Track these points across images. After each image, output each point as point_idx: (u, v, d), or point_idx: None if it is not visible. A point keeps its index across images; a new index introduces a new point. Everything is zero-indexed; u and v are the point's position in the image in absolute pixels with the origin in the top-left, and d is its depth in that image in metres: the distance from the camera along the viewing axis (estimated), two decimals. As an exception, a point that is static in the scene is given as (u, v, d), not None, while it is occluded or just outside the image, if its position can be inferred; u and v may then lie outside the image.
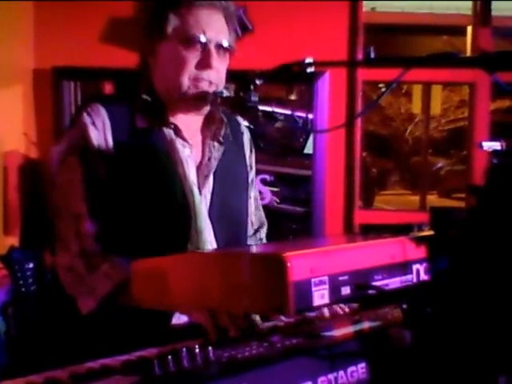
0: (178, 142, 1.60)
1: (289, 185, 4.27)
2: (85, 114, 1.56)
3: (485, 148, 1.14)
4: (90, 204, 1.54)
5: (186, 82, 1.57)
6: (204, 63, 1.57)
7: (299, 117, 4.39)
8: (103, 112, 1.56)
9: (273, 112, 4.23)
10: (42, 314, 2.34)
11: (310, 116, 4.30)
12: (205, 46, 1.57)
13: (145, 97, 1.61)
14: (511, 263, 1.06)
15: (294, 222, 4.22)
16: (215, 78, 1.59)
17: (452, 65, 1.26)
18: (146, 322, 1.40)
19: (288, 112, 4.42)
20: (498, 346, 1.10)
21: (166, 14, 1.57)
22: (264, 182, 4.08)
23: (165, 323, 1.47)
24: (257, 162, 1.85)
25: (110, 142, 1.55)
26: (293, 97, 4.60)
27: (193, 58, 1.57)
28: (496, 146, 1.12)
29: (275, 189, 4.21)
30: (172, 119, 1.62)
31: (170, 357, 1.05)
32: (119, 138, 1.56)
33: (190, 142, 1.62)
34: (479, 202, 1.08)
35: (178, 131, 1.61)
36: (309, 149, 4.28)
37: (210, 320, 1.28)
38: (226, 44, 1.59)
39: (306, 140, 4.35)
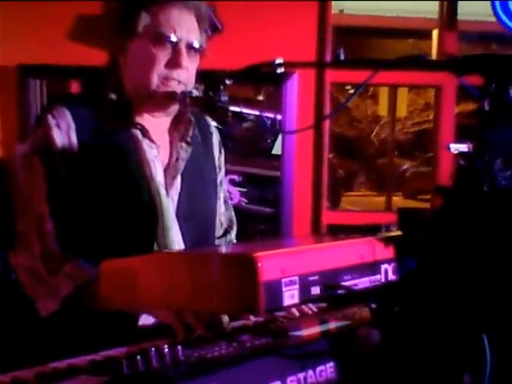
0: (145, 143, 1.60)
1: (257, 185, 4.28)
2: (49, 116, 1.56)
3: (452, 150, 1.15)
4: (52, 204, 1.53)
5: (155, 80, 1.56)
6: (174, 62, 1.56)
7: (267, 117, 4.40)
8: (68, 114, 1.56)
9: (241, 112, 4.24)
10: (6, 313, 2.31)
11: (279, 117, 4.31)
12: (175, 46, 1.57)
13: (112, 96, 1.60)
14: (477, 263, 1.07)
15: (262, 223, 4.24)
16: (185, 77, 1.58)
17: (420, 68, 1.27)
18: (112, 322, 1.38)
19: (256, 113, 4.42)
20: (464, 344, 1.12)
21: (137, 12, 1.56)
22: (232, 182, 4.08)
23: (132, 324, 1.46)
24: (225, 163, 1.85)
25: (75, 144, 1.54)
26: (261, 97, 4.62)
27: (163, 56, 1.56)
28: (463, 148, 1.13)
29: (243, 189, 4.22)
30: (139, 120, 1.61)
31: (138, 357, 1.04)
32: (85, 139, 1.55)
33: (157, 143, 1.62)
34: (446, 202, 1.09)
35: (145, 132, 1.60)
36: (277, 150, 4.29)
37: (177, 320, 1.28)
38: (196, 44, 1.59)
39: (274, 141, 4.37)
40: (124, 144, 1.58)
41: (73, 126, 1.55)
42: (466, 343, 1.11)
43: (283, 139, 4.21)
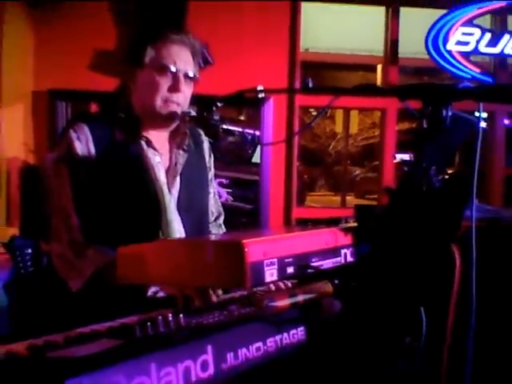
0: (150, 152, 1.59)
1: (240, 187, 4.27)
2: (71, 131, 1.54)
3: (397, 159, 1.15)
4: (76, 203, 1.51)
5: (158, 102, 1.56)
6: (174, 87, 1.56)
7: (248, 133, 4.40)
8: (86, 129, 1.54)
9: (227, 129, 4.23)
10: (39, 291, 2.28)
11: (257, 133, 4.31)
12: (175, 74, 1.56)
13: (122, 115, 1.59)
14: (416, 248, 1.08)
15: (244, 217, 4.23)
16: (182, 100, 1.58)
17: (372, 94, 1.27)
18: (126, 295, 1.37)
19: (239, 129, 4.42)
20: (405, 313, 1.12)
21: (144, 47, 1.56)
22: (221, 184, 4.07)
23: (142, 296, 1.44)
24: (215, 169, 1.85)
25: (93, 153, 1.53)
26: (242, 117, 4.61)
27: (165, 82, 1.55)
28: (406, 157, 1.13)
29: (229, 190, 4.20)
30: (145, 133, 1.60)
31: (148, 323, 1.03)
32: (101, 149, 1.54)
33: (159, 152, 1.61)
34: (392, 200, 1.09)
35: (149, 143, 1.59)
36: (256, 158, 4.29)
37: (180, 292, 1.27)
38: (191, 74, 1.59)
39: (253, 152, 4.36)
40: (133, 153, 1.57)
41: (90, 138, 1.53)
42: (408, 313, 1.12)
43: (261, 150, 4.21)
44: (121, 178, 1.53)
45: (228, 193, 4.18)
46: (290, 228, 2.06)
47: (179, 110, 1.57)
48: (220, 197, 1.98)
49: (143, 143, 1.59)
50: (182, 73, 1.56)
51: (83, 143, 1.53)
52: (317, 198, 14.21)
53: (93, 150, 1.53)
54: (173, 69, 1.55)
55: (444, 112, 1.05)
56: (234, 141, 4.42)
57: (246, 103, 4.21)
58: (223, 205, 1.89)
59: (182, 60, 1.56)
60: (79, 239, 1.50)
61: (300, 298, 1.32)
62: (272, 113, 4.16)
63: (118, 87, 1.67)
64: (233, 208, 4.14)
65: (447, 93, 1.05)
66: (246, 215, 4.23)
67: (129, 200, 1.52)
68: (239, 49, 4.17)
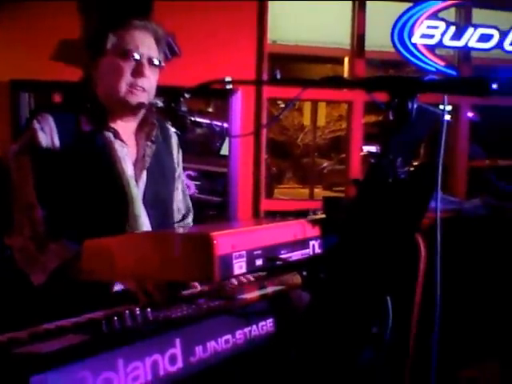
0: (117, 143, 1.56)
1: (209, 179, 4.25)
2: (35, 121, 1.51)
3: (364, 151, 1.16)
4: (39, 195, 1.48)
5: (123, 87, 1.53)
6: (138, 72, 1.54)
7: (217, 125, 4.37)
8: (51, 119, 1.51)
9: (196, 121, 4.20)
10: (1, 286, 2.22)
11: (226, 125, 4.29)
12: (138, 59, 1.54)
13: (87, 105, 1.57)
14: (383, 238, 1.09)
15: (213, 209, 4.21)
16: (148, 85, 1.56)
17: (340, 86, 1.27)
18: (91, 290, 1.35)
19: (208, 121, 4.40)
20: (372, 303, 1.13)
21: (106, 34, 1.54)
22: (189, 176, 4.04)
23: (107, 290, 1.42)
24: (183, 161, 1.82)
25: (57, 144, 1.50)
26: (211, 109, 4.58)
27: (128, 67, 1.54)
28: (373, 149, 1.14)
29: (198, 182, 4.18)
30: (112, 124, 1.58)
31: (115, 318, 1.02)
32: (65, 141, 1.51)
33: (126, 143, 1.58)
34: (360, 191, 1.10)
35: (116, 134, 1.57)
36: (225, 151, 4.28)
37: (140, 287, 1.26)
38: (156, 61, 1.57)
39: (222, 144, 4.34)
40: (99, 144, 1.54)
41: (55, 129, 1.50)
42: (374, 302, 1.13)
43: (229, 143, 4.20)
44: (86, 170, 1.50)
45: (196, 185, 4.15)
46: (259, 220, 2.06)
47: (145, 97, 1.55)
48: (188, 188, 1.96)
49: (110, 134, 1.56)
50: (146, 58, 1.55)
51: (47, 134, 1.49)
52: (285, 191, 14.26)
53: (57, 142, 1.49)
54: (136, 54, 1.53)
55: (410, 104, 1.06)
56: (202, 133, 4.39)
57: (214, 95, 4.19)
58: (191, 198, 1.87)
59: (145, 45, 1.55)
60: (42, 232, 1.47)
61: (269, 290, 1.32)
62: (240, 105, 4.15)
63: (83, 77, 1.63)
64: (201, 201, 4.12)
65: (413, 85, 1.06)
66: (214, 208, 4.22)
67: (94, 193, 1.50)
68: (207, 41, 4.14)
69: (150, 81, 1.57)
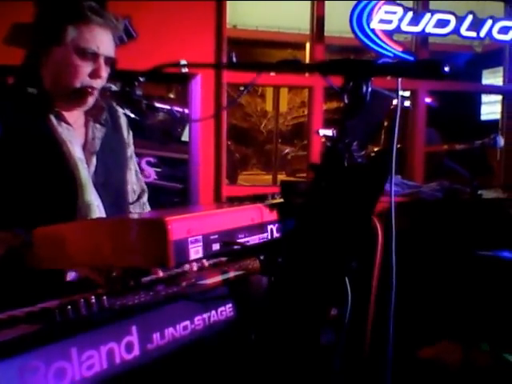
0: (63, 126, 1.53)
1: (170, 166, 4.20)
2: None
3: (321, 134, 1.16)
4: None
5: (77, 85, 1.51)
6: (95, 74, 1.52)
7: (177, 111, 4.32)
8: None
9: (156, 107, 4.14)
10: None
11: (187, 111, 4.25)
12: (97, 59, 1.51)
13: (30, 90, 1.52)
14: (340, 222, 1.10)
15: (174, 196, 4.17)
16: (100, 85, 1.55)
17: (295, 70, 1.27)
18: (44, 279, 1.32)
19: (168, 107, 4.34)
20: (331, 285, 1.15)
21: (64, 26, 1.49)
22: (149, 163, 3.98)
23: (61, 279, 1.39)
24: (143, 147, 1.80)
25: None
26: (172, 95, 4.53)
27: (86, 68, 1.51)
28: (329, 132, 1.14)
29: (159, 169, 4.13)
30: (58, 108, 1.54)
31: (69, 306, 1.00)
32: (7, 125, 1.46)
33: (73, 126, 1.55)
34: (316, 176, 1.10)
35: (61, 116, 1.53)
36: (186, 137, 4.24)
37: (97, 274, 1.24)
38: (112, 56, 1.55)
39: (183, 130, 4.30)
40: (41, 128, 1.50)
41: None
42: (333, 285, 1.14)
43: (190, 128, 4.16)
44: (31, 155, 1.46)
45: (157, 172, 4.11)
46: (216, 205, 2.06)
47: (95, 94, 1.53)
48: (148, 177, 1.94)
49: (53, 117, 1.52)
50: (104, 58, 1.52)
51: None
52: (249, 177, 14.28)
53: None
54: (96, 53, 1.50)
55: (364, 88, 1.06)
56: (163, 119, 4.34)
57: (175, 80, 4.13)
58: (152, 184, 1.85)
59: (104, 44, 1.51)
60: None
61: (229, 275, 1.32)
62: (200, 90, 4.11)
63: (26, 59, 1.58)
64: (162, 188, 4.08)
65: (367, 68, 1.07)
66: (177, 195, 4.18)
67: (42, 178, 1.45)
68: (164, 25, 4.06)
69: (103, 80, 1.55)
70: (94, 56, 1.50)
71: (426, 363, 2.82)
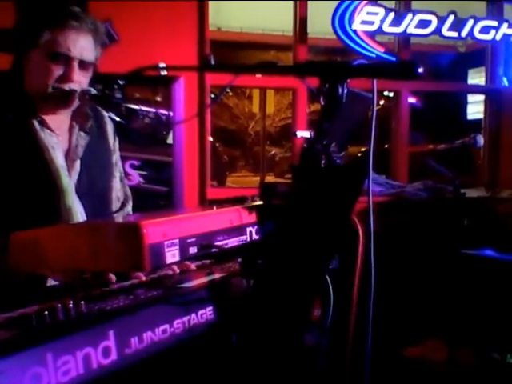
0: (45, 132, 1.52)
1: (154, 169, 4.19)
2: None
3: (298, 136, 1.17)
4: None
5: (50, 89, 1.49)
6: (65, 77, 1.50)
7: (163, 114, 4.32)
8: None
9: (142, 110, 4.13)
10: None
11: (171, 113, 4.25)
12: (68, 62, 1.49)
13: (13, 94, 1.51)
14: (318, 222, 1.10)
15: (159, 199, 4.16)
16: (77, 87, 1.52)
17: (273, 71, 1.27)
18: (24, 284, 1.30)
19: (154, 110, 4.33)
20: (311, 286, 1.15)
21: (41, 29, 1.48)
22: (133, 166, 3.96)
23: (40, 284, 1.38)
24: (128, 151, 1.79)
25: None
26: (158, 98, 4.52)
27: (56, 71, 1.49)
28: (306, 134, 1.14)
29: (144, 172, 4.12)
30: (41, 114, 1.53)
31: (46, 312, 0.99)
32: None
33: (56, 132, 1.54)
34: (295, 177, 1.11)
35: (43, 122, 1.52)
36: (170, 140, 4.24)
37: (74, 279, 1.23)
38: (90, 60, 1.53)
39: (168, 133, 4.30)
40: (26, 133, 1.49)
41: None
42: (314, 286, 1.15)
43: (173, 130, 4.16)
44: (10, 159, 1.45)
45: (142, 175, 4.09)
46: (195, 208, 2.05)
47: (75, 98, 1.51)
48: (132, 180, 1.93)
49: (36, 123, 1.51)
50: (77, 61, 1.50)
51: None
52: (237, 179, 14.27)
53: None
54: (68, 56, 1.48)
55: (340, 89, 1.06)
56: (149, 122, 4.33)
57: (156, 82, 4.12)
58: (136, 188, 1.84)
59: (77, 47, 1.49)
60: None
61: (210, 278, 1.32)
62: (183, 92, 4.11)
63: (12, 64, 1.57)
64: (147, 191, 4.07)
65: (342, 70, 1.07)
66: (160, 198, 4.17)
67: (20, 183, 1.44)
68: (146, 27, 4.05)
69: (81, 83, 1.52)
70: (66, 59, 1.49)
71: (411, 362, 2.84)
